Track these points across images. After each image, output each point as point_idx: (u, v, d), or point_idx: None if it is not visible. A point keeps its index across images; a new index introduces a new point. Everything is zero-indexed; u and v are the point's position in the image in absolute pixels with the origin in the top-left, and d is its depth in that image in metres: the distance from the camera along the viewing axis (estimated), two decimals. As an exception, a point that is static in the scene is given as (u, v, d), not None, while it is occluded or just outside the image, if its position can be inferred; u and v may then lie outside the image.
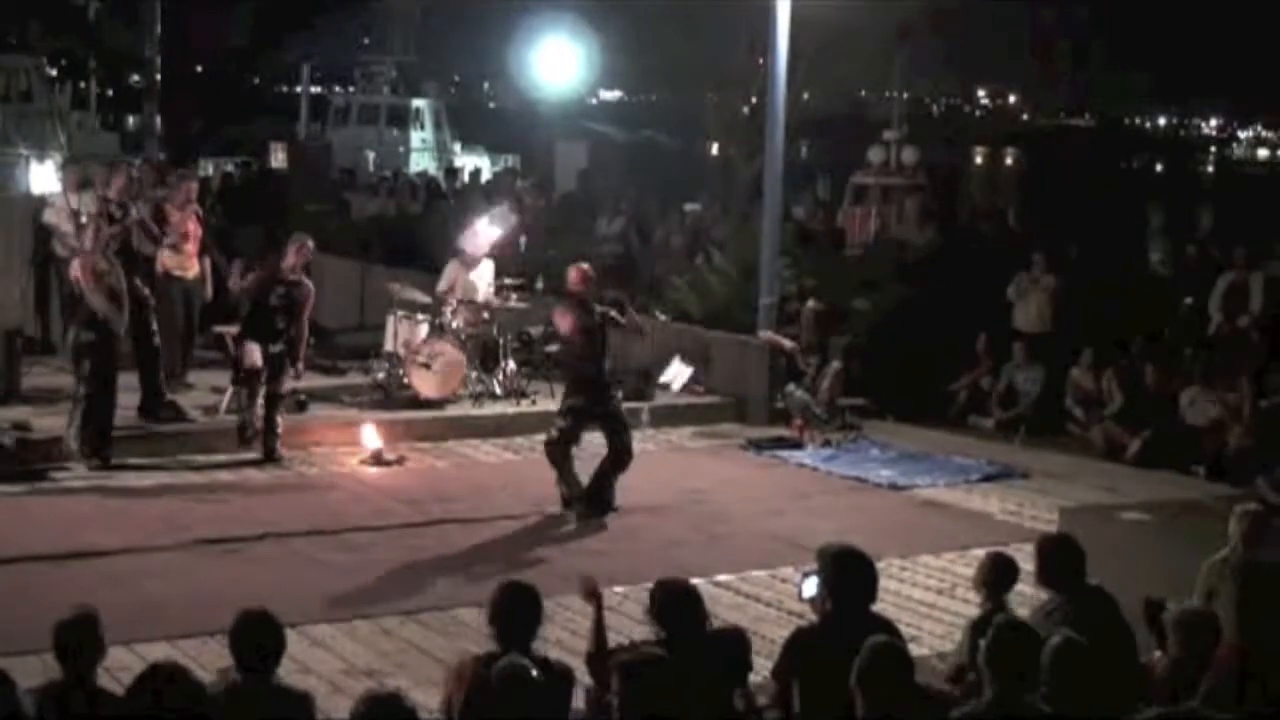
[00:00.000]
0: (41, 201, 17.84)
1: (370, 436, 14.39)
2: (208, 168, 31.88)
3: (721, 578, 10.86)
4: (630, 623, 9.76)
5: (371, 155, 38.44)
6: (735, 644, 6.86)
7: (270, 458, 13.85)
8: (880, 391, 17.01)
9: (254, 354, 13.77)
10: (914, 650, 6.82)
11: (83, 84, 39.06)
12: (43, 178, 24.79)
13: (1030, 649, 6.09)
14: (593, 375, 12.83)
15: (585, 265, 13.37)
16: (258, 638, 6.14)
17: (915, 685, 6.07)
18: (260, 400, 13.90)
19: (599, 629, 7.01)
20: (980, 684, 6.22)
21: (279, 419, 13.98)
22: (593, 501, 12.62)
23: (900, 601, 10.16)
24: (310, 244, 14.42)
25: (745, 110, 22.50)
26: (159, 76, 29.80)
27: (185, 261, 15.44)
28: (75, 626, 6.13)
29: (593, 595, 7.15)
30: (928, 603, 10.61)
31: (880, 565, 7.18)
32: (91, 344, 13.07)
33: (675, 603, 6.73)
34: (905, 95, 32.33)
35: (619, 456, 12.77)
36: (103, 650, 6.17)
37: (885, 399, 16.99)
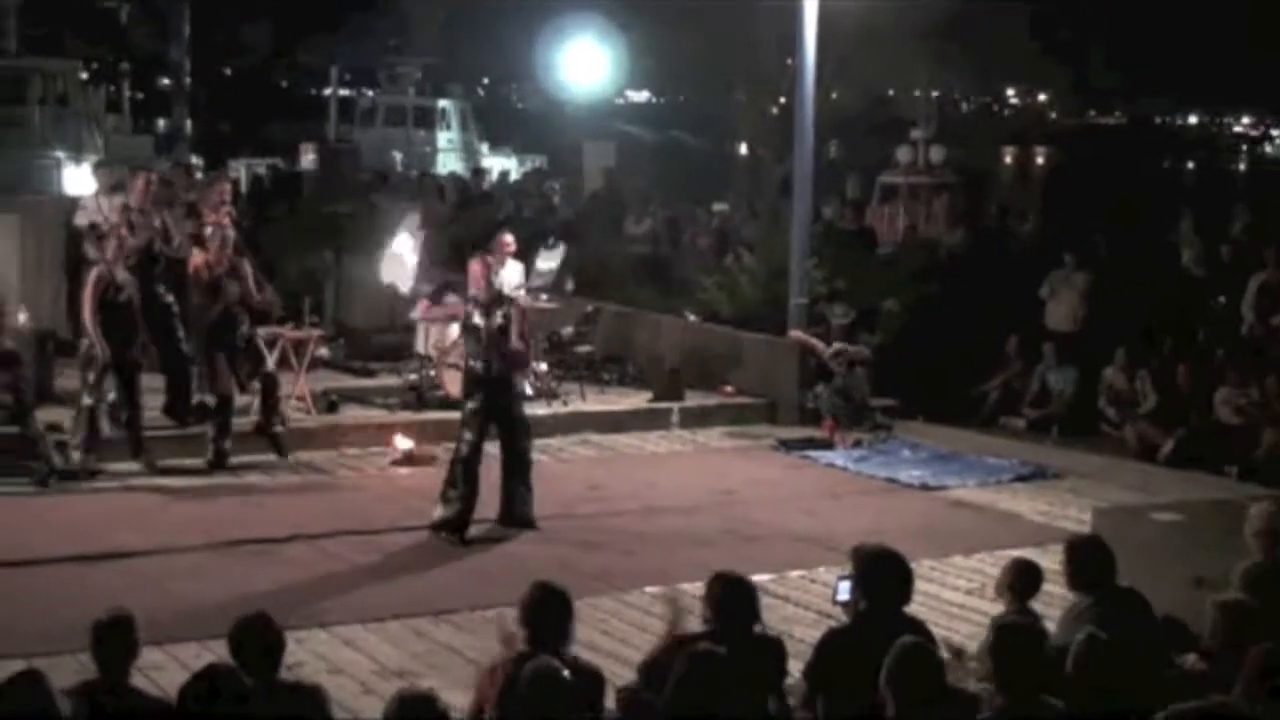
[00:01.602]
0: (74, 204, 17.91)
1: (404, 438, 14.40)
2: (237, 170, 31.98)
3: (753, 578, 10.78)
4: (661, 623, 9.77)
5: (399, 156, 38.43)
6: (775, 649, 6.84)
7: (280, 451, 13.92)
8: (911, 391, 16.97)
9: (224, 380, 13.75)
10: (945, 652, 6.80)
11: (113, 87, 39.13)
12: (77, 180, 24.85)
13: (1033, 650, 6.06)
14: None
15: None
16: (260, 639, 6.16)
17: (946, 686, 6.05)
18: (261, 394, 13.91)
19: (669, 638, 6.96)
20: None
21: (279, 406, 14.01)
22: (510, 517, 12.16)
23: (932, 602, 10.12)
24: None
25: (774, 110, 22.45)
26: (188, 80, 29.96)
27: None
28: (111, 627, 6.17)
29: (673, 606, 7.07)
30: (959, 603, 10.58)
31: (911, 566, 7.15)
32: (105, 355, 13.15)
33: (733, 596, 6.72)
34: (933, 94, 32.27)
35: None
36: (137, 650, 6.21)
37: (916, 399, 16.95)
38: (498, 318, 12.08)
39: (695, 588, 10.33)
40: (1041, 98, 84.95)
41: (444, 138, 43.46)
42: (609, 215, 24.93)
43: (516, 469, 12.15)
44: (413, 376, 16.14)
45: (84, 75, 34.59)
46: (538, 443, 15.25)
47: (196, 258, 15.13)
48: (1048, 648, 6.34)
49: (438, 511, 11.77)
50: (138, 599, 9.10)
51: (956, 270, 19.11)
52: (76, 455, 13.13)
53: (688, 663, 5.88)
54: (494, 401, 11.93)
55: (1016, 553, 9.42)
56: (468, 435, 11.85)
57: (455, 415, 15.27)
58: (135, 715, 5.99)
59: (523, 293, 16.39)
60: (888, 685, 5.86)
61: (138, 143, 34.84)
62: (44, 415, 13.61)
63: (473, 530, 11.93)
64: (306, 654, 8.82)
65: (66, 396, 13.74)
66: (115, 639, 6.14)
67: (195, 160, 24.59)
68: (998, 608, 7.66)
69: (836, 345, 16.31)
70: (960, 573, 11.39)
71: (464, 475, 11.75)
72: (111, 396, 13.65)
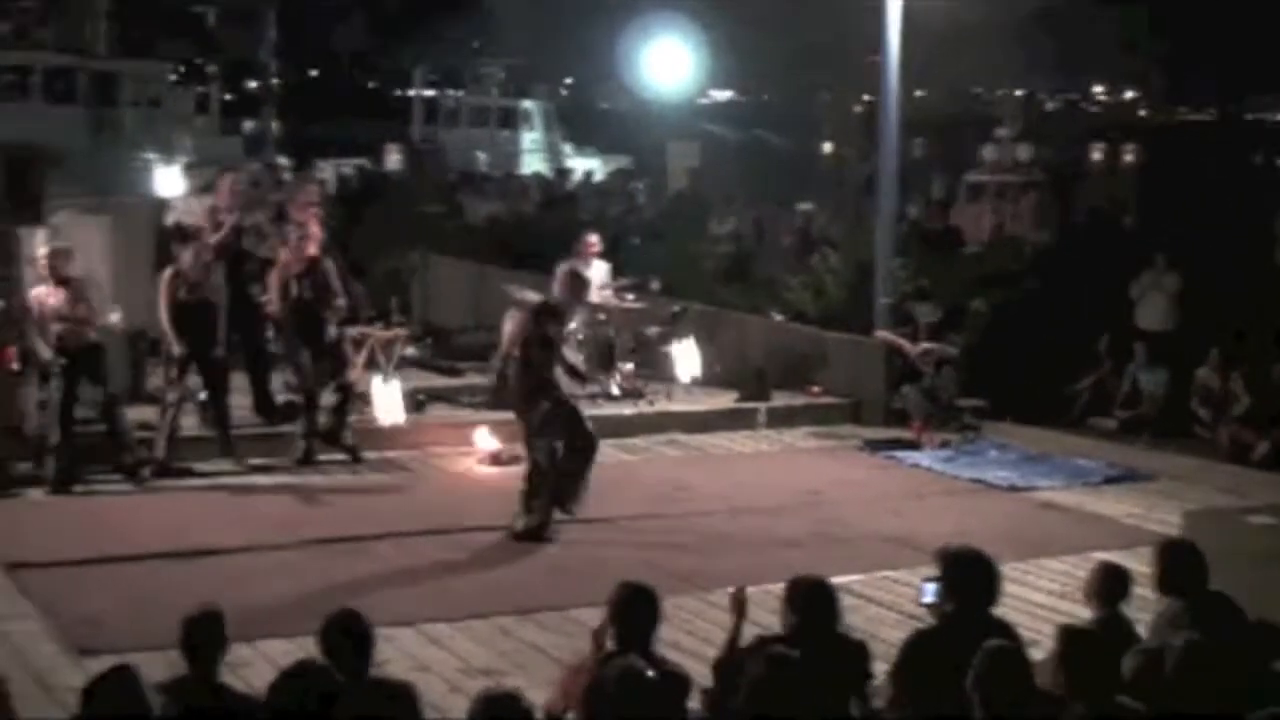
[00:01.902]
0: (164, 205, 18.11)
1: (488, 438, 14.44)
2: (324, 170, 32.24)
3: (838, 579, 10.65)
4: (747, 625, 9.75)
5: (483, 157, 38.64)
6: (859, 651, 6.82)
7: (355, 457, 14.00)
8: (999, 392, 16.85)
9: (308, 379, 13.84)
10: (1034, 654, 6.75)
11: (202, 89, 39.58)
12: (168, 181, 25.15)
13: (1101, 654, 6.01)
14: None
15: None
16: (352, 636, 6.19)
17: (1034, 689, 6.00)
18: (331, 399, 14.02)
19: (734, 636, 6.97)
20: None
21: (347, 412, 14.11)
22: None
23: (1019, 605, 10.02)
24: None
25: (858, 108, 22.38)
26: (275, 81, 30.25)
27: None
28: (201, 623, 6.23)
29: (738, 604, 7.10)
30: (1047, 606, 10.49)
31: (999, 568, 7.09)
32: (183, 355, 13.32)
33: (813, 598, 6.71)
34: (1020, 92, 32.07)
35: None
36: (226, 646, 6.27)
37: (1004, 399, 16.82)
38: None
39: (780, 589, 10.37)
40: (1130, 94, 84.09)
41: (528, 138, 43.63)
42: (693, 215, 24.96)
43: (583, 464, 12.11)
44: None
45: (174, 77, 34.96)
46: (623, 442, 15.33)
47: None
48: (1120, 651, 6.28)
49: (521, 522, 11.79)
50: (226, 595, 9.17)
51: (1045, 269, 18.97)
52: (161, 452, 13.27)
53: (763, 666, 5.87)
54: (560, 409, 11.95)
55: (1105, 555, 9.32)
56: (544, 444, 11.87)
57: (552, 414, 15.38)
58: (224, 712, 6.04)
59: (609, 293, 16.48)
60: (975, 688, 5.82)
61: (226, 144, 35.25)
62: (135, 414, 13.77)
63: (559, 530, 11.96)
64: (394, 652, 8.85)
65: (157, 394, 13.88)
66: (204, 635, 6.21)
67: (283, 161, 24.77)
68: (1087, 611, 7.60)
69: (924, 344, 16.21)
70: (1048, 575, 11.29)
71: (544, 483, 11.80)
72: (201, 395, 13.82)
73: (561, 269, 16.42)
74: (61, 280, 12.80)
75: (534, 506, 11.79)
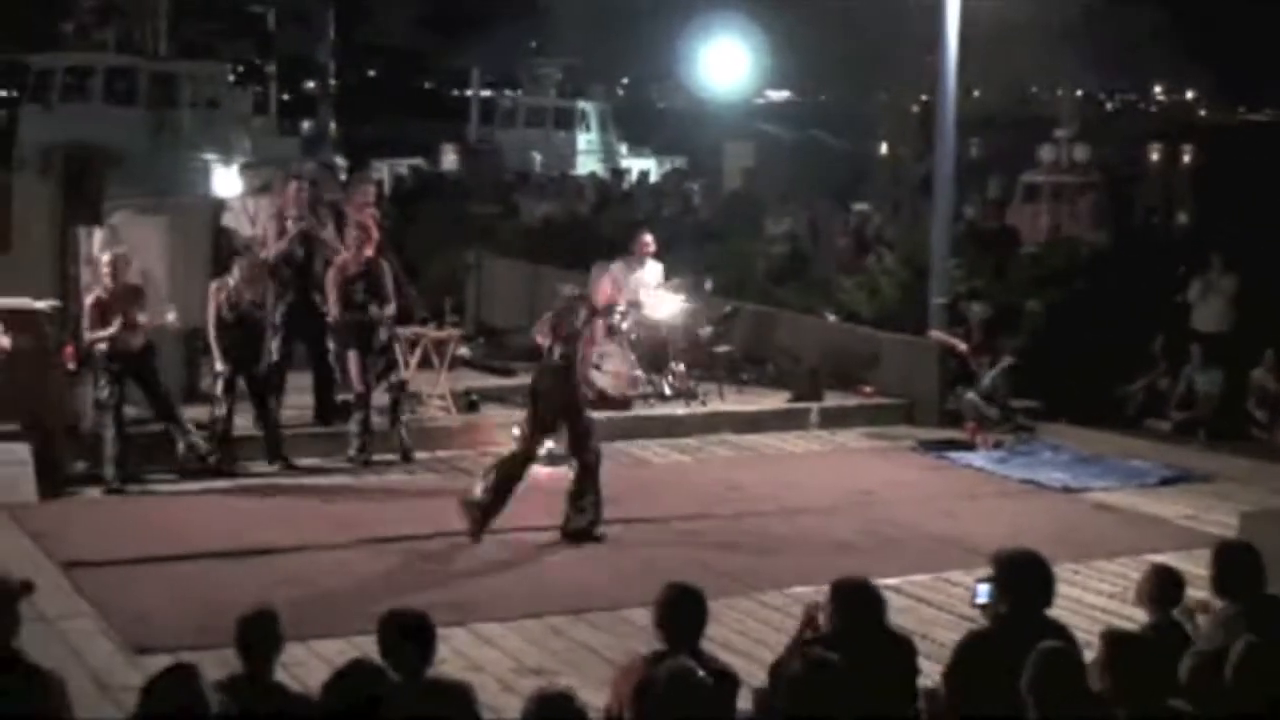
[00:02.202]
0: (222, 205, 18.23)
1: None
2: (380, 170, 32.40)
3: (891, 580, 10.73)
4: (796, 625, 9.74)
5: (538, 157, 38.74)
6: (905, 651, 6.80)
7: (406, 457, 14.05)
8: (1053, 393, 16.76)
9: (359, 378, 13.89)
10: (1089, 657, 6.71)
11: (260, 89, 39.82)
12: (226, 181, 25.31)
13: (1146, 658, 5.98)
14: None
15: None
16: (412, 635, 6.21)
17: (1089, 691, 5.97)
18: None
19: (796, 643, 6.95)
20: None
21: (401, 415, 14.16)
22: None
23: (1074, 606, 9.98)
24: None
25: (914, 108, 22.32)
26: (333, 81, 30.40)
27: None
28: (256, 622, 6.26)
29: (810, 618, 7.05)
30: (1102, 608, 10.44)
31: (1053, 569, 7.06)
32: (226, 366, 13.42)
33: (857, 598, 6.69)
34: (1077, 91, 31.89)
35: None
36: (280, 646, 6.30)
37: (1058, 400, 16.73)
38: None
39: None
40: (1189, 94, 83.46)
41: (583, 139, 43.66)
42: (748, 215, 24.93)
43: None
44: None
45: (232, 78, 35.19)
46: (676, 442, 15.35)
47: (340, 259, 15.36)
48: (1173, 655, 6.24)
49: (574, 521, 11.81)
50: (281, 595, 9.25)
51: (1100, 270, 18.86)
52: (212, 455, 13.36)
53: (801, 667, 5.86)
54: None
55: (1160, 557, 9.28)
56: (592, 444, 11.91)
57: (595, 415, 15.39)
58: (279, 711, 6.07)
59: (662, 293, 16.48)
60: (1029, 689, 5.79)
61: (284, 144, 35.42)
62: (189, 413, 13.86)
63: (611, 530, 11.98)
64: (447, 651, 8.87)
65: (210, 393, 13.96)
66: (260, 634, 6.24)
67: (339, 161, 24.89)
68: (1142, 613, 7.55)
69: (977, 341, 16.18)
70: (1103, 577, 11.24)
71: (593, 482, 11.82)
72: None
73: (599, 270, 16.51)
74: (119, 285, 12.90)
75: (583, 506, 11.80)
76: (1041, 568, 6.89)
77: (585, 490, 11.82)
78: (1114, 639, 6.13)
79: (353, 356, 13.82)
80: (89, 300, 12.99)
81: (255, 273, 13.63)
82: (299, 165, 26.93)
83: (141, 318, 12.99)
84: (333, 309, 13.96)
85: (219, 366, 13.42)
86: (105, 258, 13.09)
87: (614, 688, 6.47)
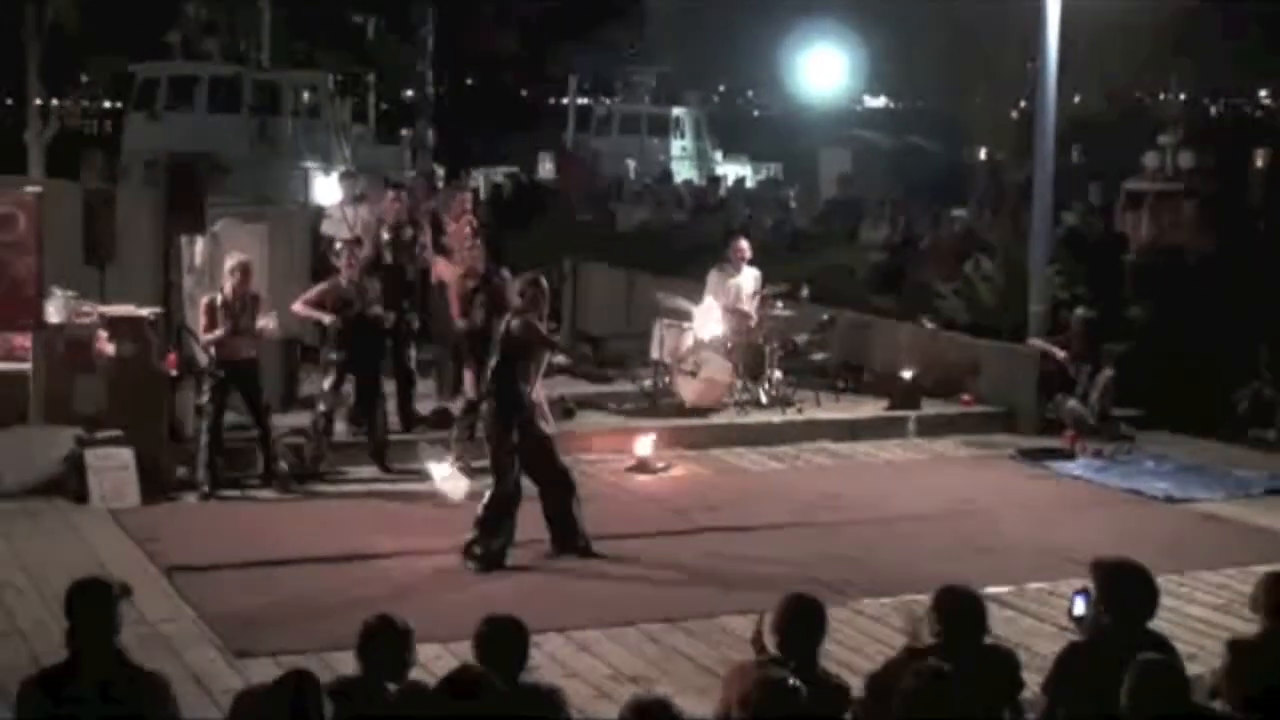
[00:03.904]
0: (321, 213, 18.40)
1: (641, 444, 14.47)
2: (477, 179, 32.54)
3: (991, 590, 10.61)
4: (898, 635, 9.66)
5: (633, 164, 38.79)
6: (1007, 661, 6.73)
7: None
8: (1156, 401, 16.55)
9: (475, 387, 13.89)
10: (1191, 669, 6.63)
11: (359, 98, 40.12)
12: (326, 190, 25.55)
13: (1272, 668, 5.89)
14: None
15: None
16: (508, 641, 6.22)
17: (1191, 705, 5.89)
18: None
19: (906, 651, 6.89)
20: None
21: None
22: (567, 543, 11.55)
23: (1177, 618, 9.87)
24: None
25: (1013, 114, 22.14)
26: (432, 90, 30.57)
27: (459, 271, 15.67)
28: (385, 635, 6.29)
29: (910, 620, 6.99)
30: (1206, 620, 10.30)
31: (1155, 580, 6.96)
32: (338, 364, 13.53)
33: (961, 609, 6.64)
34: (1182, 96, 31.51)
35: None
36: (407, 662, 6.30)
37: (1161, 409, 16.53)
38: None
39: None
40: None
41: (678, 145, 43.65)
42: (845, 222, 24.83)
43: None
44: (647, 383, 16.24)
45: (332, 87, 35.49)
46: (773, 450, 15.30)
47: (440, 267, 15.46)
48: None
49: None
50: (379, 600, 9.31)
51: (1205, 278, 18.61)
52: (309, 458, 13.46)
53: (914, 679, 5.81)
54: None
55: (1267, 569, 9.12)
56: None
57: (691, 422, 15.42)
58: (387, 716, 6.09)
59: (758, 299, 16.45)
60: (1129, 701, 5.72)
61: (383, 153, 35.67)
62: (288, 420, 13.99)
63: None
64: (543, 657, 8.90)
65: (310, 401, 14.09)
66: (385, 646, 6.26)
67: (437, 170, 25.02)
68: (1248, 626, 7.44)
69: (1077, 348, 16.02)
70: (1207, 588, 11.09)
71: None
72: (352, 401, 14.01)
73: (712, 275, 16.53)
74: (239, 292, 13.02)
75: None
76: (1143, 578, 6.80)
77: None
78: (1239, 647, 6.06)
79: (473, 364, 13.87)
80: (204, 302, 13.13)
81: (357, 269, 13.69)
82: (397, 174, 27.17)
83: (262, 321, 13.09)
84: (455, 317, 14.05)
85: (334, 356, 13.52)
86: (229, 263, 13.21)
87: (724, 690, 6.46)
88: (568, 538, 11.48)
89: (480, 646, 6.21)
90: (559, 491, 11.50)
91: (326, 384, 13.58)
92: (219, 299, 12.99)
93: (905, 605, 7.17)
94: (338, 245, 14.20)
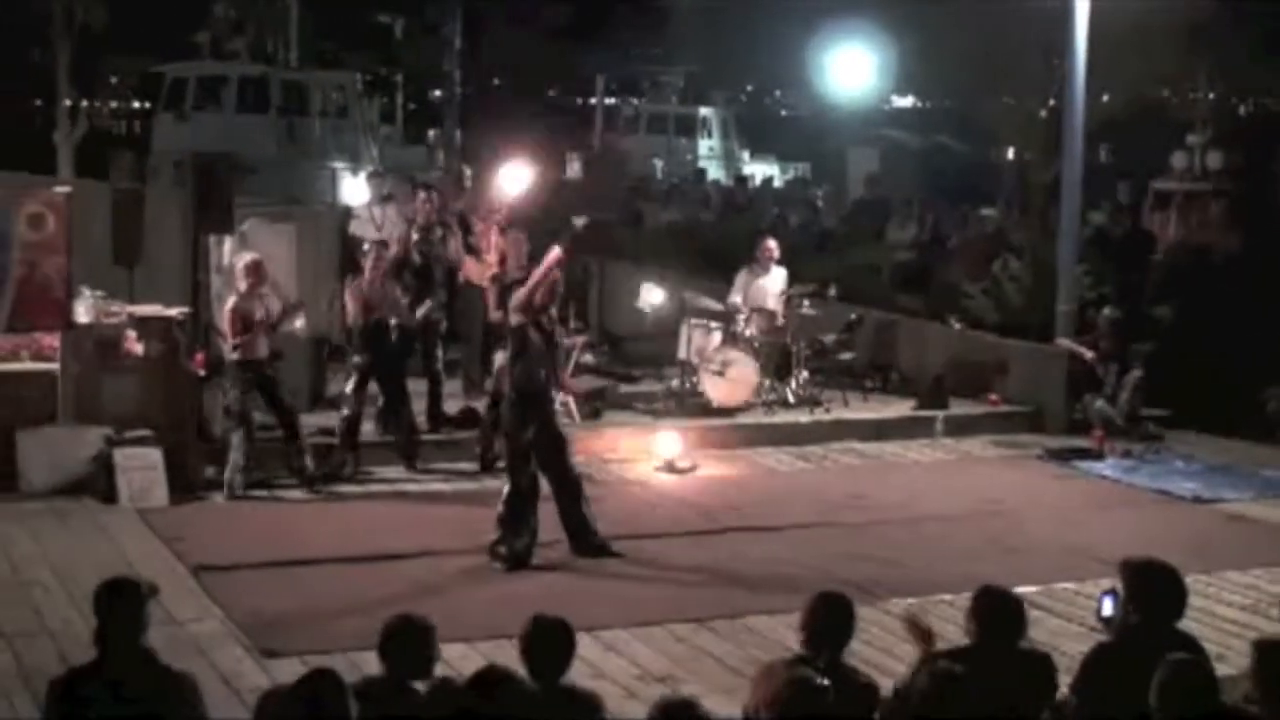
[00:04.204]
0: (348, 213, 18.44)
1: (668, 444, 14.47)
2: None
3: (1018, 590, 10.61)
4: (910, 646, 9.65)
5: (659, 164, 38.79)
6: (1042, 665, 6.70)
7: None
8: (1183, 401, 16.50)
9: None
10: (1219, 669, 6.60)
11: (387, 99, 40.23)
12: (354, 190, 25.61)
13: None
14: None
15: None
16: (549, 644, 6.22)
17: (1220, 705, 5.87)
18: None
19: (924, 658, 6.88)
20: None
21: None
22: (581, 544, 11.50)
23: (1204, 618, 9.83)
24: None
25: (1041, 113, 22.07)
26: (459, 90, 30.62)
27: (487, 271, 15.66)
28: (405, 633, 6.30)
29: (920, 632, 6.96)
30: (1233, 620, 10.26)
31: (1183, 581, 6.94)
32: (360, 367, 13.55)
33: (998, 610, 6.61)
34: (1210, 95, 31.36)
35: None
36: (431, 660, 6.32)
37: (1188, 409, 16.47)
38: None
39: (960, 599, 10.23)
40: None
41: (705, 145, 43.67)
42: (872, 221, 24.80)
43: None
44: (674, 383, 16.24)
45: (360, 87, 35.58)
46: (800, 449, 15.29)
47: (468, 267, 15.50)
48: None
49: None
50: (405, 600, 9.34)
51: (1232, 277, 18.55)
52: (333, 465, 13.48)
53: (927, 681, 5.80)
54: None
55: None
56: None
57: (716, 422, 15.41)
58: (413, 715, 6.10)
59: (784, 300, 16.44)
60: (1157, 701, 5.71)
61: (410, 153, 35.75)
62: (316, 419, 14.02)
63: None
64: (570, 657, 8.91)
65: (337, 400, 14.12)
66: (408, 644, 6.28)
67: (465, 170, 25.07)
68: (1274, 626, 7.42)
69: (1105, 348, 15.96)
70: (1235, 589, 11.04)
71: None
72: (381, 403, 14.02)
73: (741, 274, 16.52)
74: (256, 291, 13.05)
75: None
76: (1172, 578, 6.79)
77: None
78: (1265, 647, 6.03)
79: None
80: (228, 306, 13.15)
81: (381, 272, 13.71)
82: (424, 174, 27.20)
83: (290, 322, 13.07)
84: (492, 313, 14.07)
85: (356, 359, 13.56)
86: (240, 263, 13.24)
87: (753, 689, 6.46)
88: (581, 538, 11.48)
89: (526, 646, 6.21)
90: (564, 495, 11.48)
91: (348, 387, 13.60)
92: (237, 301, 13.01)
93: (907, 611, 7.13)
94: (365, 246, 14.21)
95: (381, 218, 16.89)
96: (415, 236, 14.97)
